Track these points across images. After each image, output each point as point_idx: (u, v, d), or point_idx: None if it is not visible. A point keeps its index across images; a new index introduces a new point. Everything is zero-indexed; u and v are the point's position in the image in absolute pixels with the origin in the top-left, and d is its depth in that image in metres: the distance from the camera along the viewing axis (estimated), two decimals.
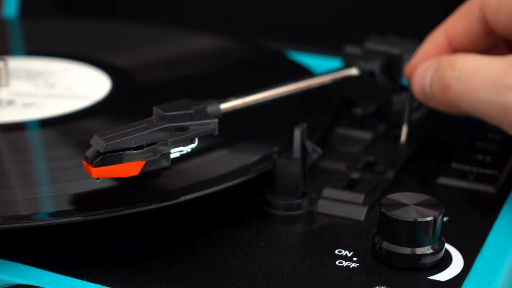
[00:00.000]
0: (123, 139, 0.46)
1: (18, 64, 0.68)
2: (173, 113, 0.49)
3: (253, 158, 0.54)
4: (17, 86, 0.64)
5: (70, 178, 0.51)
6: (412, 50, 0.62)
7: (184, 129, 0.48)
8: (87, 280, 0.46)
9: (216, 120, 0.49)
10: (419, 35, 0.66)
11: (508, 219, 0.53)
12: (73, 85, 0.65)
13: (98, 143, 0.46)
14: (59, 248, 0.49)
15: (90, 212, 0.47)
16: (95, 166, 0.45)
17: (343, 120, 0.61)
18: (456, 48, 0.58)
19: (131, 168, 0.46)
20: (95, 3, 0.87)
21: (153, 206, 0.47)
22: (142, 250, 0.49)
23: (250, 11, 0.81)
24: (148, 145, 0.47)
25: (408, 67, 0.59)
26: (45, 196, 0.50)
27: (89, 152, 0.46)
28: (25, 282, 0.46)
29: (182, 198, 0.49)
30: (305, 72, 0.68)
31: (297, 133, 0.51)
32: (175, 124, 0.48)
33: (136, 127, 0.47)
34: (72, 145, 0.56)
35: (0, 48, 0.74)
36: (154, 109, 0.49)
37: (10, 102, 0.62)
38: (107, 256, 0.48)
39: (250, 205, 0.53)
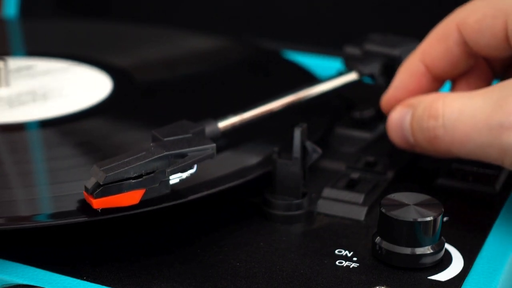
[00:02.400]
0: (122, 169, 0.46)
1: (18, 64, 0.68)
2: (171, 138, 0.49)
3: (253, 158, 0.54)
4: (17, 86, 0.64)
5: (70, 179, 0.51)
6: (411, 50, 0.62)
7: (182, 155, 0.48)
8: (87, 280, 0.46)
9: (214, 145, 0.50)
10: (419, 35, 0.66)
11: (508, 219, 0.53)
12: (73, 85, 0.65)
13: (97, 174, 0.46)
14: (59, 248, 0.49)
15: (91, 213, 0.47)
16: (95, 198, 0.46)
17: (343, 120, 0.61)
18: (435, 73, 0.56)
19: (131, 197, 0.47)
20: (95, 3, 0.87)
21: (155, 207, 0.48)
22: (142, 250, 0.49)
23: (250, 11, 0.81)
24: (147, 173, 0.47)
25: (384, 99, 0.57)
26: (46, 197, 0.50)
27: (89, 183, 0.46)
28: (25, 282, 0.46)
29: (184, 200, 0.49)
30: (304, 72, 0.68)
31: (297, 133, 0.51)
32: (173, 152, 0.48)
33: (135, 156, 0.47)
34: (73, 146, 0.56)
35: (0, 48, 0.74)
36: (153, 133, 0.50)
37: (10, 103, 0.61)
38: (107, 256, 0.48)
39: (250, 205, 0.53)
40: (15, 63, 0.68)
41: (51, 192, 0.50)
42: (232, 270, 0.47)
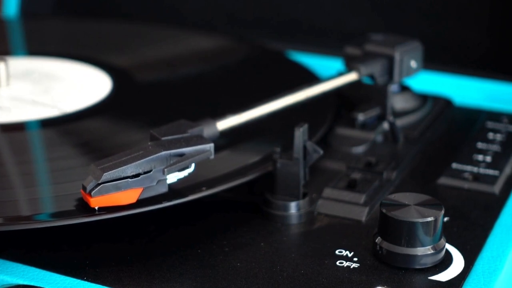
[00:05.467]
0: (119, 168, 0.46)
1: (18, 64, 0.68)
2: (169, 137, 0.49)
3: (254, 158, 0.54)
4: (17, 86, 0.64)
5: (70, 179, 0.51)
6: (411, 50, 0.62)
7: (180, 155, 0.48)
8: (87, 280, 0.46)
9: (212, 144, 0.50)
10: (419, 35, 0.66)
11: (508, 219, 0.53)
12: (73, 85, 0.64)
13: (95, 173, 0.46)
14: (59, 248, 0.48)
15: (91, 213, 0.47)
16: (93, 196, 0.46)
17: (343, 120, 0.61)
18: None
19: (128, 196, 0.47)
20: (95, 3, 0.87)
21: (156, 207, 0.48)
22: (142, 250, 0.49)
23: (250, 11, 0.81)
24: (145, 172, 0.47)
25: None
26: (46, 197, 0.50)
27: (87, 182, 0.46)
28: (25, 282, 0.46)
29: (184, 199, 0.49)
30: (305, 72, 0.68)
31: (298, 133, 0.51)
32: (170, 151, 0.48)
33: (133, 155, 0.47)
34: (73, 146, 0.56)
35: (0, 48, 0.74)
36: (151, 133, 0.50)
37: (10, 102, 0.61)
38: (108, 256, 0.48)
39: (250, 205, 0.53)
40: (15, 63, 0.68)
41: (51, 192, 0.50)
42: (232, 270, 0.47)
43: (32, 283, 0.46)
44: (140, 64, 0.69)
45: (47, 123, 0.58)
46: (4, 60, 0.64)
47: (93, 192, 0.46)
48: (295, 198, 0.52)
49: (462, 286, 0.46)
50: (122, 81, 0.65)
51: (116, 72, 0.67)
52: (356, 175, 0.54)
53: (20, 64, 0.68)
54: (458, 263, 0.48)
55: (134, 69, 0.68)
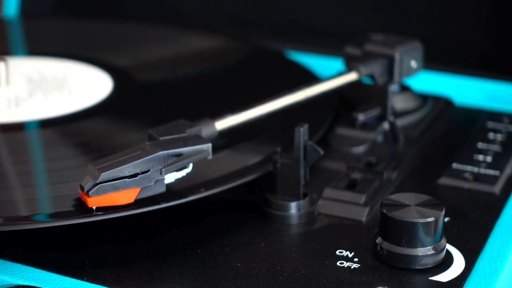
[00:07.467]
0: (117, 168, 0.46)
1: (18, 64, 0.68)
2: (167, 137, 0.49)
3: (254, 158, 0.54)
4: (17, 86, 0.64)
5: (70, 179, 0.51)
6: (412, 50, 0.62)
7: (178, 155, 0.48)
8: (87, 280, 0.46)
9: (210, 144, 0.50)
10: (419, 35, 0.65)
11: (509, 219, 0.53)
12: (74, 85, 0.64)
13: (92, 173, 0.46)
14: (59, 249, 0.48)
15: (89, 213, 0.47)
16: (90, 196, 0.46)
17: (343, 120, 0.61)
18: None
19: (126, 196, 0.47)
20: (95, 3, 0.87)
21: (157, 207, 0.48)
22: (142, 250, 0.49)
23: (250, 11, 0.81)
24: (143, 172, 0.47)
25: None
26: (45, 197, 0.50)
27: (85, 182, 0.46)
28: (25, 283, 0.46)
29: (185, 200, 0.49)
30: (305, 72, 0.68)
31: (298, 133, 0.51)
32: (168, 151, 0.48)
33: (130, 155, 0.47)
34: (73, 146, 0.56)
35: (0, 48, 0.74)
36: (149, 133, 0.50)
37: (10, 102, 0.61)
38: (108, 257, 0.48)
39: (250, 205, 0.53)
40: (15, 63, 0.68)
41: (50, 192, 0.50)
42: (232, 270, 0.47)
43: (32, 283, 0.46)
44: (140, 64, 0.69)
45: (47, 124, 0.58)
46: (4, 60, 0.64)
47: (90, 192, 0.46)
48: (295, 198, 0.52)
49: (462, 286, 0.46)
50: (122, 81, 0.65)
51: (116, 72, 0.66)
52: (356, 175, 0.54)
53: (20, 64, 0.68)
54: (458, 263, 0.48)
55: (134, 69, 0.68)
